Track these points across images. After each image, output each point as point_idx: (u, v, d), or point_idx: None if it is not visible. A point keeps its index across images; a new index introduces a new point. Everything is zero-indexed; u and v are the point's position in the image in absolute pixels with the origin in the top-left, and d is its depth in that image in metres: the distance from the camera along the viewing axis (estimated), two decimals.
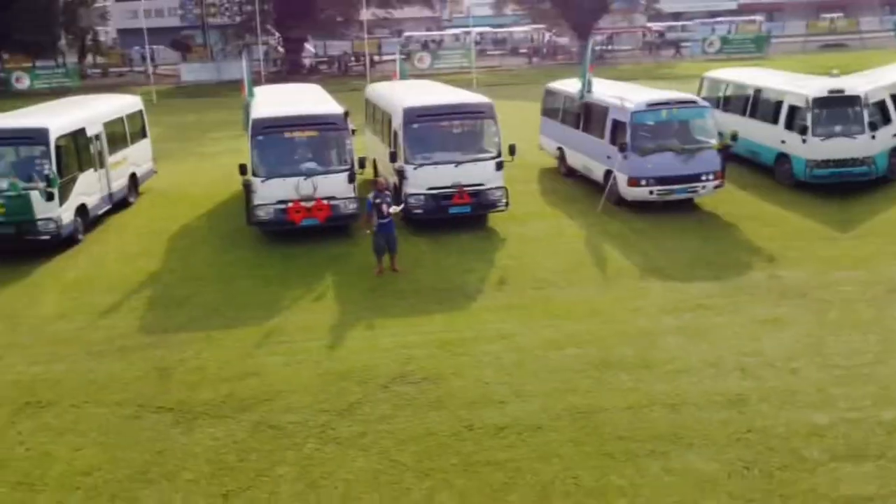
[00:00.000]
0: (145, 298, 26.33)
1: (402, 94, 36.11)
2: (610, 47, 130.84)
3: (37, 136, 30.67)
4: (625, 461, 16.20)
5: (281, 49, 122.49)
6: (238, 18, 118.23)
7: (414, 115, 32.08)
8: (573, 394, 19.04)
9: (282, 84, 47.41)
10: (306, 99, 38.03)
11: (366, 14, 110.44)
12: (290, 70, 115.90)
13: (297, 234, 31.00)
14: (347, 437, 17.77)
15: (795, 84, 37.98)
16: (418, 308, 24.87)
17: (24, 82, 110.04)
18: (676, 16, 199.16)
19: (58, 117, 33.00)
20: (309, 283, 27.36)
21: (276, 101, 36.68)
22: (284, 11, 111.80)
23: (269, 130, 31.09)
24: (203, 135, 62.44)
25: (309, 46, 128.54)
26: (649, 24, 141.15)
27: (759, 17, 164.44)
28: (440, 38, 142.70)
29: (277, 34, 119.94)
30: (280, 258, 29.71)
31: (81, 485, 16.20)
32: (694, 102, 34.53)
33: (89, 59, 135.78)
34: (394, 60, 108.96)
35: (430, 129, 32.64)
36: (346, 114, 31.73)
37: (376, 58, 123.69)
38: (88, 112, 36.37)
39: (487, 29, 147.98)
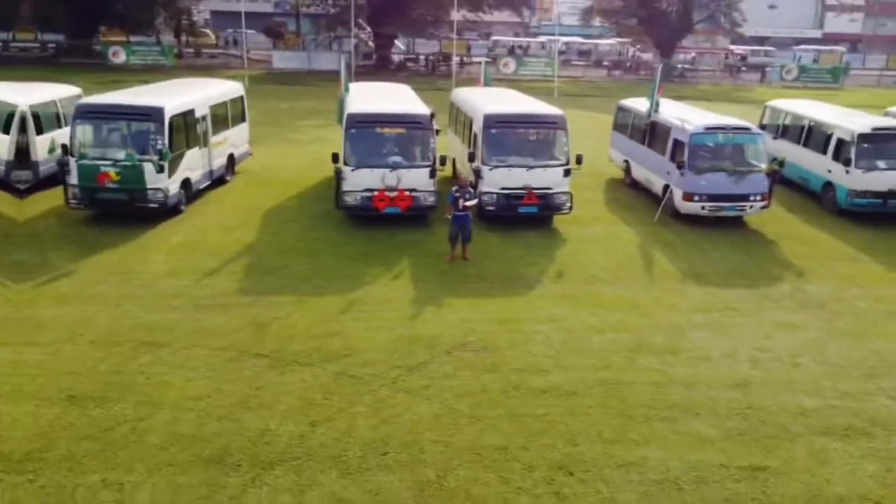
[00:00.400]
0: (242, 265, 29.36)
1: (483, 101, 38.61)
2: (691, 66, 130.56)
3: (154, 114, 33.28)
4: (641, 422, 19.18)
5: (371, 44, 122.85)
6: (332, 10, 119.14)
7: (493, 121, 34.65)
8: (606, 369, 21.97)
9: (373, 81, 49.38)
10: (397, 98, 40.38)
11: (456, 16, 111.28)
12: (378, 65, 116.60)
13: (380, 220, 33.52)
14: (414, 388, 20.77)
15: (846, 119, 40.07)
16: (483, 291, 27.68)
17: (120, 57, 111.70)
18: (761, 40, 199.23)
19: (172, 98, 35.60)
20: (388, 263, 30.12)
21: (369, 97, 39.10)
22: (377, 7, 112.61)
23: (362, 125, 33.72)
24: (294, 122, 64.60)
25: (398, 43, 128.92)
26: (732, 47, 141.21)
27: (840, 49, 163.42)
28: (527, 45, 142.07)
29: (369, 29, 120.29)
30: (363, 240, 32.31)
31: (194, 407, 19.31)
32: (748, 129, 36.77)
33: (183, 38, 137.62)
34: (480, 63, 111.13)
35: (507, 135, 35.18)
36: (433, 115, 34.23)
37: (465, 59, 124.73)
38: (197, 95, 38.92)
39: (574, 39, 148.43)
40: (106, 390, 20.18)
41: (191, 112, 36.64)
